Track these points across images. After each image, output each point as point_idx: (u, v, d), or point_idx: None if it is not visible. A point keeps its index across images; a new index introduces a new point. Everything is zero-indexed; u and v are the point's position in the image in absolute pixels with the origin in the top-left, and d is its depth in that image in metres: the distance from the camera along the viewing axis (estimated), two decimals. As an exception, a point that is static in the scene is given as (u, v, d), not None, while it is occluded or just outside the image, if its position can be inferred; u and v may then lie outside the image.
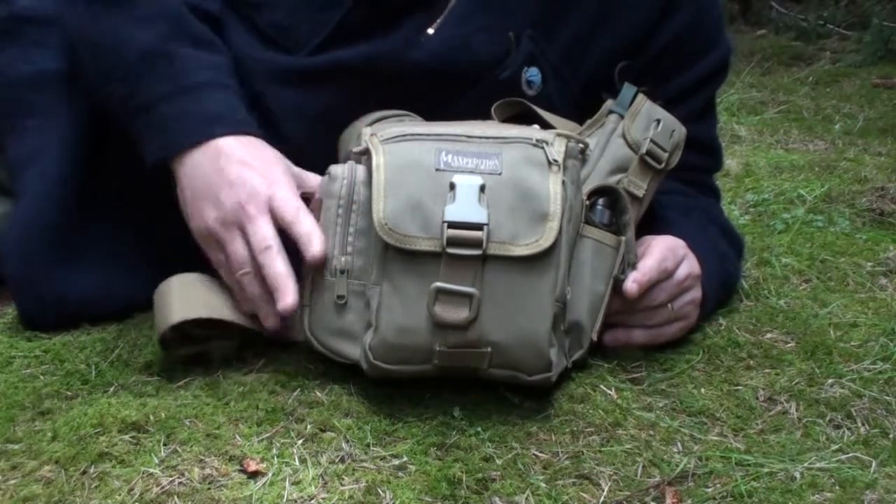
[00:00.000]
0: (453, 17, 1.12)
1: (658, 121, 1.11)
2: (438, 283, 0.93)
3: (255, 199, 0.98)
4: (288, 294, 0.95)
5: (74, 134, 1.16)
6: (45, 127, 1.17)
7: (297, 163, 1.10)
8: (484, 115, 1.10)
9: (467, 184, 0.94)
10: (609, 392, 1.03)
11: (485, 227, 0.93)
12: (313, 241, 0.96)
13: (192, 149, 1.03)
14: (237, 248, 0.98)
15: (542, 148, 0.98)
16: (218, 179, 1.00)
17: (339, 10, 1.12)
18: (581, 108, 1.16)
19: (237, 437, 0.92)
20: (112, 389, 1.00)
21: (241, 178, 0.99)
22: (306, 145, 1.12)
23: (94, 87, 1.13)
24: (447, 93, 1.12)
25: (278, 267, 0.96)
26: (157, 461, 0.88)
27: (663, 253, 1.08)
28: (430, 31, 1.12)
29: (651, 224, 1.14)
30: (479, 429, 0.95)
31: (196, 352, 1.04)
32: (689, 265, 1.11)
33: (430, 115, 1.08)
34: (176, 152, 1.03)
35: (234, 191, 0.99)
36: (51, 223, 1.15)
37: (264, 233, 0.97)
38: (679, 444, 0.95)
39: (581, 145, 1.06)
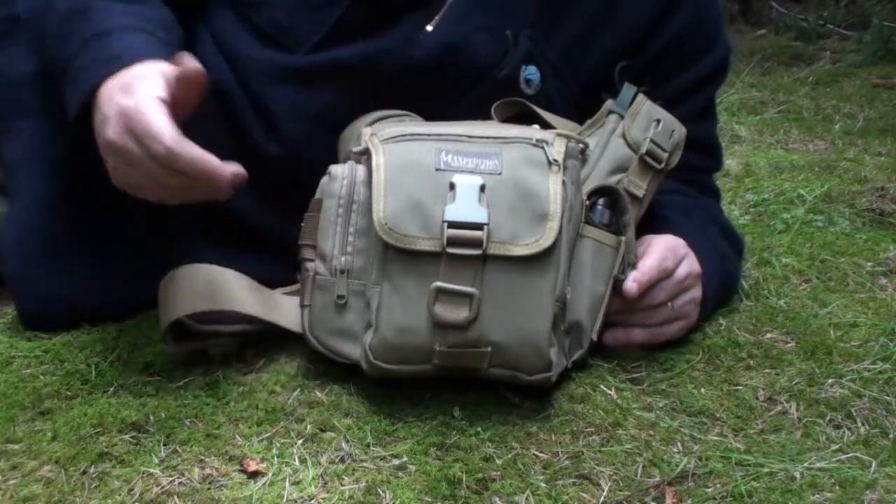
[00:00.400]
0: (451, 16, 1.12)
1: (658, 121, 1.11)
2: (438, 283, 0.93)
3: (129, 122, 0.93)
4: (219, 166, 0.93)
5: (71, 133, 1.16)
6: (43, 127, 1.17)
7: (297, 162, 1.11)
8: (483, 114, 1.10)
9: (467, 184, 0.95)
10: (609, 392, 1.03)
11: (485, 227, 0.93)
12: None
13: (94, 95, 0.99)
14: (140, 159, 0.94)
15: (542, 148, 0.98)
16: (99, 120, 0.97)
17: (337, 8, 1.12)
18: (581, 107, 1.16)
19: (237, 437, 0.92)
20: (112, 389, 1.00)
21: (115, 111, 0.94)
22: (305, 144, 1.12)
23: (41, 59, 1.12)
24: (445, 91, 1.12)
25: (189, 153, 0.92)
26: (157, 461, 0.88)
27: (663, 252, 1.08)
28: (429, 28, 1.12)
29: (651, 224, 1.14)
30: (479, 429, 0.95)
31: (199, 347, 1.04)
32: (689, 264, 1.11)
33: (428, 113, 1.08)
34: (83, 99, 1.00)
35: (110, 126, 0.95)
36: (49, 224, 1.15)
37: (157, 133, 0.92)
38: (679, 444, 0.95)
39: (581, 145, 1.06)
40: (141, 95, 0.93)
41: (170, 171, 0.93)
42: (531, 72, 1.14)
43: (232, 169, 0.94)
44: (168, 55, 1.01)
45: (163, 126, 0.92)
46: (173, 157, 0.92)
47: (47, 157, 1.16)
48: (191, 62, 0.99)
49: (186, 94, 0.97)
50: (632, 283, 1.04)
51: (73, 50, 1.02)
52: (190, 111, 0.99)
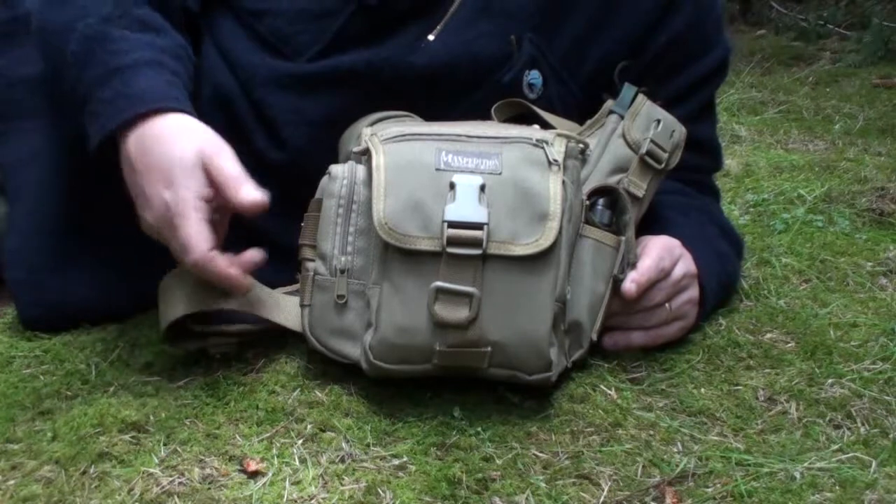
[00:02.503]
0: (454, 24, 1.12)
1: (658, 121, 1.11)
2: (438, 283, 0.93)
3: (167, 211, 0.96)
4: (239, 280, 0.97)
5: (73, 136, 1.16)
6: (44, 129, 1.17)
7: (298, 168, 1.10)
8: (484, 118, 1.10)
9: (467, 183, 0.95)
10: (609, 392, 1.03)
11: (485, 227, 0.93)
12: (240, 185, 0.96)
13: (125, 130, 1.00)
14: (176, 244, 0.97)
15: (543, 148, 0.98)
16: (136, 179, 0.99)
17: (339, 17, 1.12)
18: (581, 108, 1.16)
19: (237, 437, 0.92)
20: (112, 389, 1.00)
21: (151, 191, 0.97)
22: (307, 150, 1.12)
23: (52, 80, 1.12)
24: (448, 97, 1.12)
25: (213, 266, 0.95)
26: (157, 461, 0.88)
27: (660, 253, 1.08)
28: (431, 37, 1.12)
29: (651, 224, 1.14)
30: (479, 429, 0.95)
31: (199, 347, 1.04)
32: (686, 265, 1.11)
33: (430, 119, 1.08)
34: (107, 137, 1.01)
35: (151, 200, 0.97)
36: (50, 228, 1.15)
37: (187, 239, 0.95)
38: (679, 444, 0.95)
39: (581, 145, 1.06)
40: (181, 195, 0.95)
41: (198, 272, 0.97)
42: (534, 76, 1.14)
43: (246, 282, 0.98)
44: (183, 91, 1.04)
45: (196, 239, 0.94)
46: (200, 269, 0.95)
47: (49, 159, 1.16)
48: (250, 196, 0.97)
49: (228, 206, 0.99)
50: (630, 283, 1.04)
51: (95, 79, 1.03)
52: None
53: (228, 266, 0.96)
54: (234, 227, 1.15)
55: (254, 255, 0.98)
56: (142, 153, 0.98)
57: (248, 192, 0.95)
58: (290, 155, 1.13)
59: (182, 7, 1.14)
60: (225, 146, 0.99)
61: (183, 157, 0.96)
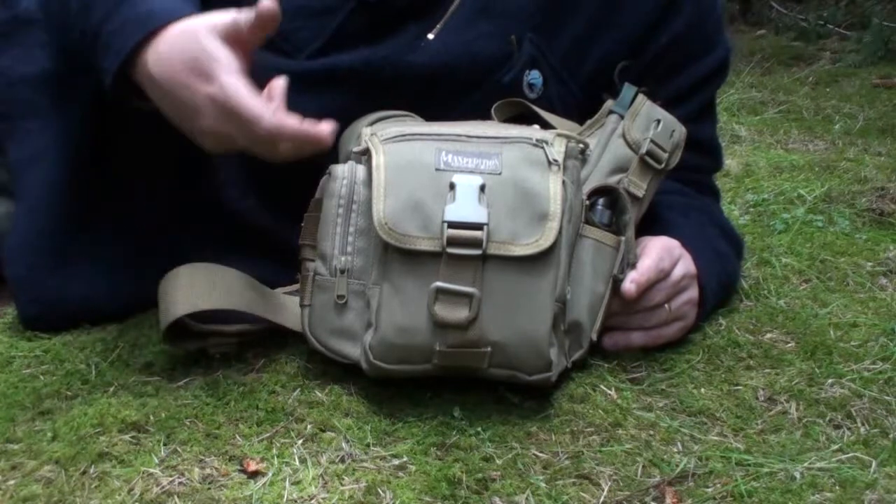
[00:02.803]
0: (454, 23, 1.12)
1: (658, 121, 1.11)
2: (438, 283, 0.93)
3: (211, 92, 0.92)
4: (316, 128, 0.93)
5: (76, 135, 1.16)
6: (47, 128, 1.17)
7: (296, 167, 1.10)
8: (484, 118, 1.10)
9: (467, 184, 0.94)
10: (609, 392, 1.03)
11: (485, 227, 0.93)
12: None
13: (140, 52, 0.97)
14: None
15: (543, 148, 0.98)
16: (171, 97, 0.95)
17: (338, 15, 1.12)
18: (581, 108, 1.16)
19: (237, 437, 0.92)
20: (112, 389, 1.00)
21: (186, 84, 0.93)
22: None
23: (66, 43, 1.10)
24: (448, 97, 1.12)
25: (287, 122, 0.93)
26: (157, 461, 0.88)
27: (659, 253, 1.08)
28: (430, 36, 1.12)
29: (651, 224, 1.14)
30: (479, 429, 0.95)
31: (199, 347, 1.04)
32: (685, 265, 1.11)
33: (430, 119, 1.08)
34: (122, 66, 0.98)
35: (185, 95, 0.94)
36: (52, 226, 1.15)
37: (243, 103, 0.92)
38: (679, 444, 0.95)
39: (581, 145, 1.06)
40: (223, 80, 0.92)
41: (277, 141, 0.93)
42: (534, 76, 1.14)
43: (327, 128, 0.93)
44: (196, 9, 0.99)
45: (259, 109, 0.91)
46: (277, 134, 0.92)
47: (53, 159, 1.16)
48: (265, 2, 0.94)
49: (256, 37, 0.95)
50: (630, 283, 1.04)
51: (102, 16, 1.00)
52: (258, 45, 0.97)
53: (300, 122, 0.92)
54: (233, 227, 1.15)
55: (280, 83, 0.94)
56: (164, 67, 0.95)
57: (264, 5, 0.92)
58: None
59: None
60: (229, 12, 0.95)
61: (203, 47, 0.93)
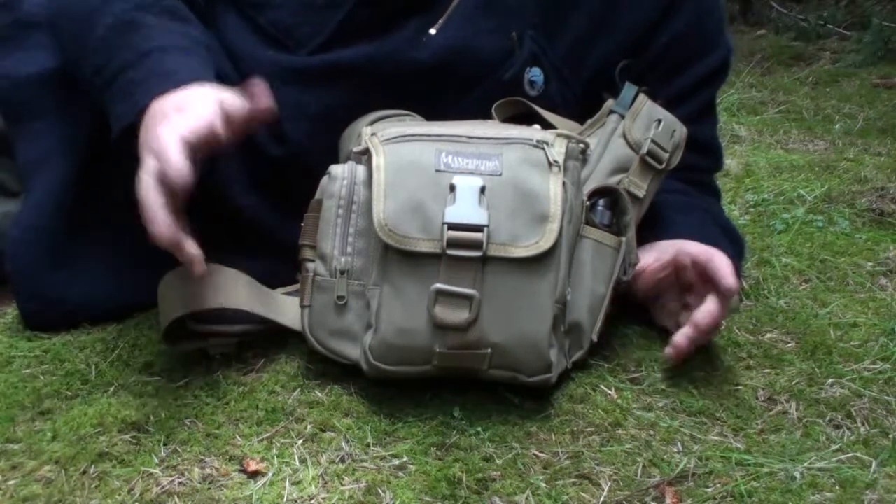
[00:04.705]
0: (456, 18, 1.12)
1: (659, 121, 1.11)
2: (438, 285, 0.93)
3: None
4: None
5: (80, 135, 1.16)
6: (53, 128, 1.17)
7: (298, 162, 1.10)
8: (485, 116, 1.10)
9: (467, 185, 0.94)
10: (609, 392, 1.03)
11: (485, 229, 0.93)
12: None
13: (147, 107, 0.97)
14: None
15: (543, 149, 0.98)
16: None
17: (341, 10, 1.12)
18: (582, 107, 1.16)
19: (237, 437, 0.92)
20: (112, 389, 1.00)
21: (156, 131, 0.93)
22: (307, 145, 1.12)
23: (71, 66, 1.11)
24: (449, 93, 1.12)
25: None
26: (157, 461, 0.88)
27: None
28: (432, 31, 1.12)
29: (651, 224, 1.14)
30: (479, 429, 0.95)
31: (199, 347, 1.04)
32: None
33: (431, 115, 1.08)
34: (136, 113, 0.98)
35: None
36: (54, 226, 1.15)
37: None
38: (679, 444, 0.95)
39: (582, 146, 1.06)
40: (177, 122, 0.91)
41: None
42: (535, 73, 1.14)
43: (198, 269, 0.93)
44: (214, 78, 1.01)
45: (175, 166, 0.89)
46: (163, 179, 0.90)
47: (59, 159, 1.16)
48: (263, 98, 0.97)
49: (243, 128, 0.97)
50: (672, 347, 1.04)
51: (124, 62, 1.01)
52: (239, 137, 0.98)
53: (182, 236, 0.91)
54: (233, 227, 1.15)
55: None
56: (160, 107, 0.95)
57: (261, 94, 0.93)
58: (291, 150, 1.13)
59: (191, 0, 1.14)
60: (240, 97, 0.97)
61: (201, 94, 0.94)
